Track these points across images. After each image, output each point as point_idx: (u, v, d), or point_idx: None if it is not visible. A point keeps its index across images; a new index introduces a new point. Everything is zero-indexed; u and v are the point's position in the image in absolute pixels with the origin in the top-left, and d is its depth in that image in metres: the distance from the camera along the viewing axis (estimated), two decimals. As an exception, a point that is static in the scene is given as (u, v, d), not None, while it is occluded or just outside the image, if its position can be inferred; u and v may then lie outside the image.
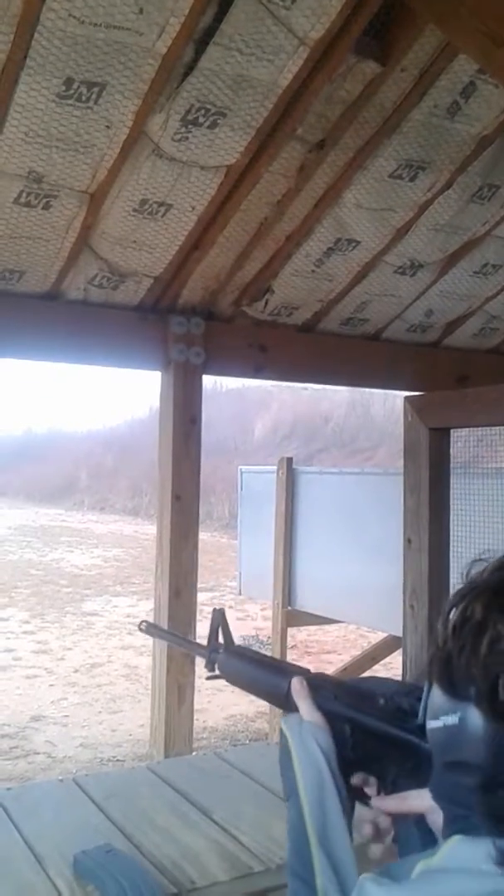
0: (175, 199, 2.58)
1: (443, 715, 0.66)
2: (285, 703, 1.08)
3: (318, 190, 2.75)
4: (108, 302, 2.89)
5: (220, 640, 1.26)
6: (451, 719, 0.61)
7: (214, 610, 1.29)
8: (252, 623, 8.49)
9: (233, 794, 1.66)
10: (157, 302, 2.97)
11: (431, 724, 0.66)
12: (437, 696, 0.67)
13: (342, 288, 3.15)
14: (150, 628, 1.45)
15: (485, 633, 0.58)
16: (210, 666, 1.26)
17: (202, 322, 3.04)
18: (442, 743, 0.63)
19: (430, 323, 3.52)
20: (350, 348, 3.42)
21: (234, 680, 1.22)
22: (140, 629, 1.46)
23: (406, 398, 2.84)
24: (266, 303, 3.09)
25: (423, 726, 0.89)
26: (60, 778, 1.84)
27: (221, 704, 5.50)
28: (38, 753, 4.73)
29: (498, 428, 4.06)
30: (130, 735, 5.05)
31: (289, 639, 5.88)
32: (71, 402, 66.03)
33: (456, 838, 0.60)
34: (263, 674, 1.15)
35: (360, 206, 2.84)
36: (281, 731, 1.02)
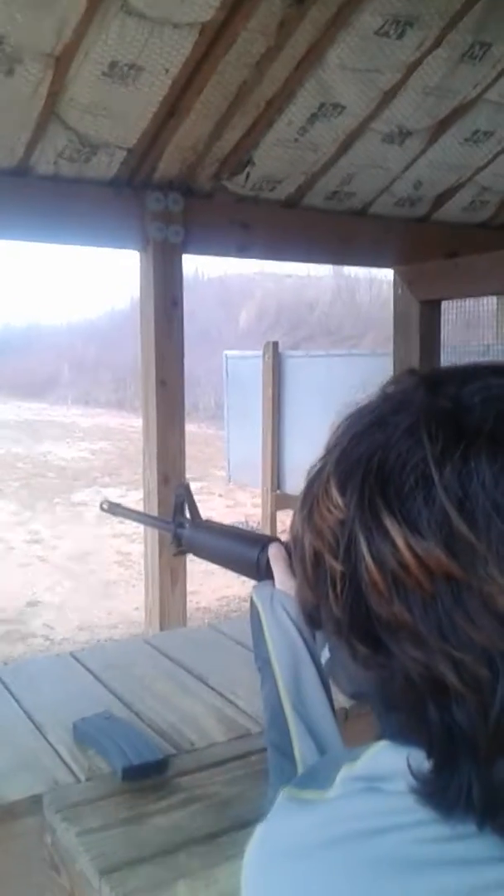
0: (147, 60, 2.43)
1: (323, 648, 0.65)
2: (257, 573, 1.08)
3: (299, 49, 2.58)
4: (80, 177, 2.76)
5: (187, 515, 1.23)
6: (325, 653, 0.60)
7: (178, 485, 1.27)
8: (242, 510, 8.61)
9: (228, 662, 1.70)
10: (133, 176, 2.83)
11: (322, 661, 0.65)
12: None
13: (327, 159, 3.02)
14: (112, 507, 1.42)
15: (306, 555, 0.56)
16: (176, 542, 1.24)
17: (181, 198, 2.91)
18: (337, 681, 0.62)
19: (418, 196, 3.39)
20: (336, 224, 3.31)
21: (203, 553, 1.21)
22: (102, 508, 1.43)
23: (396, 269, 2.77)
24: (247, 176, 2.96)
25: None
26: (57, 654, 1.87)
27: (214, 587, 5.63)
28: (36, 636, 4.86)
29: (486, 308, 4.01)
30: (126, 617, 5.19)
31: (278, 524, 5.97)
32: (49, 294, 64.58)
33: (381, 744, 0.57)
34: (233, 544, 1.13)
35: (344, 67, 2.68)
36: (252, 601, 1.02)
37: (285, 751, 0.90)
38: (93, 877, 1.07)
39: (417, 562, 0.48)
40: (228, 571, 1.21)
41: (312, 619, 0.59)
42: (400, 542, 0.49)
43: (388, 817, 0.52)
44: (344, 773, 0.57)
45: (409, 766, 0.51)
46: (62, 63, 2.36)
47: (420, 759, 0.51)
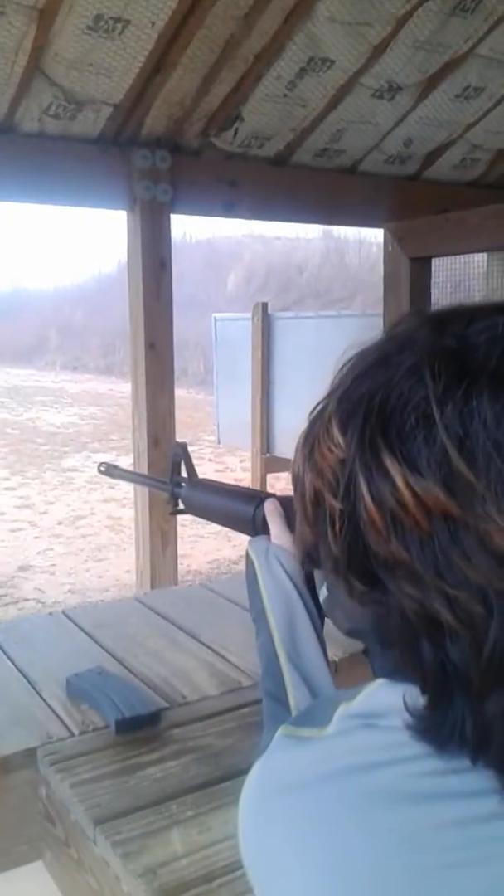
0: (132, 13, 2.38)
1: (320, 587, 0.65)
2: (252, 528, 1.09)
3: (287, 2, 2.53)
4: (65, 134, 2.71)
5: (184, 474, 1.24)
6: (323, 591, 0.60)
7: (175, 443, 1.27)
8: (231, 474, 8.63)
9: (219, 619, 1.71)
10: (119, 133, 2.78)
11: (322, 600, 0.65)
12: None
13: (316, 114, 2.97)
14: (109, 469, 1.43)
15: (306, 494, 0.57)
16: (173, 501, 1.24)
17: (168, 155, 2.87)
18: (334, 618, 0.62)
19: (408, 153, 3.35)
20: (325, 183, 3.27)
21: (200, 511, 1.21)
22: (100, 471, 1.44)
23: (386, 226, 2.74)
24: (235, 132, 2.92)
25: None
26: (49, 612, 1.88)
27: (205, 550, 5.65)
28: (28, 600, 4.88)
29: (476, 269, 3.98)
30: (117, 580, 5.21)
31: (268, 487, 5.99)
32: (35, 258, 63.80)
33: (377, 682, 0.58)
34: (230, 501, 1.14)
35: (333, 20, 2.63)
36: (247, 554, 1.03)
37: (280, 698, 0.91)
38: (87, 826, 1.09)
39: (416, 500, 0.48)
40: (219, 535, 1.21)
41: (311, 557, 0.60)
42: (399, 481, 0.49)
43: (384, 752, 0.53)
44: (341, 711, 0.58)
45: (404, 702, 0.52)
46: (46, 16, 2.31)
47: (415, 696, 0.52)
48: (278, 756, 0.59)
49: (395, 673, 0.55)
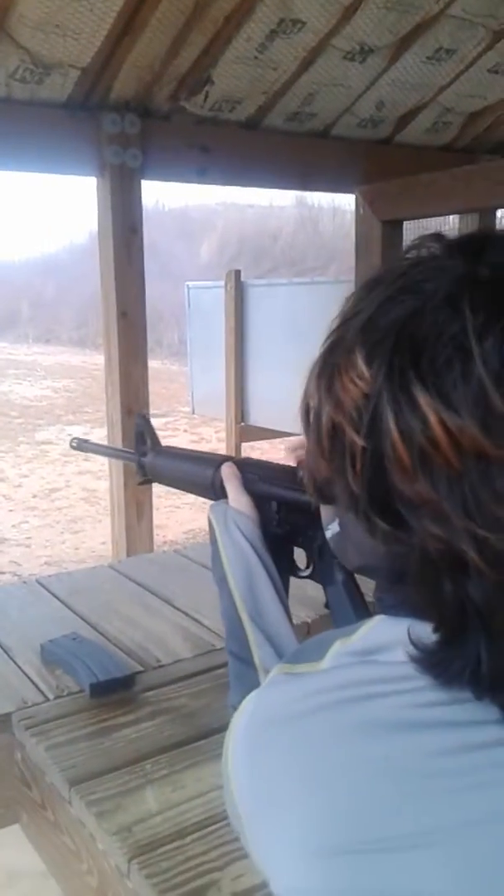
0: (99, -29, 2.32)
1: (328, 524, 0.64)
2: (213, 493, 1.10)
3: (258, -40, 2.48)
4: (33, 99, 2.65)
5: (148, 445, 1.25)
6: (334, 528, 0.60)
7: (136, 415, 1.29)
8: (207, 445, 8.62)
9: (193, 584, 1.72)
10: (88, 97, 2.73)
11: (328, 537, 0.65)
12: (319, 505, 0.64)
13: (287, 77, 2.93)
14: (80, 444, 1.44)
15: (323, 428, 0.54)
16: (141, 471, 1.26)
17: (138, 120, 2.82)
18: (343, 555, 0.61)
19: (381, 117, 3.33)
20: (298, 147, 3.24)
21: (164, 479, 1.23)
22: (72, 446, 1.45)
23: (358, 189, 2.72)
24: (206, 95, 2.87)
25: None
26: (23, 581, 1.88)
27: (180, 520, 5.66)
28: (3, 573, 4.86)
29: (448, 228, 3.98)
30: (93, 552, 5.21)
31: (244, 456, 5.99)
32: (3, 228, 62.68)
33: (377, 618, 0.58)
34: (190, 466, 1.15)
35: (304, -20, 2.59)
36: (209, 520, 1.04)
37: (245, 658, 0.92)
38: (62, 788, 1.10)
39: (449, 438, 0.46)
40: (194, 505, 1.23)
41: (322, 493, 0.57)
42: (432, 417, 0.46)
43: (382, 685, 0.52)
44: (337, 646, 0.58)
45: (409, 635, 0.52)
46: (9, -26, 2.25)
47: (422, 630, 0.51)
48: (270, 690, 0.58)
49: (403, 607, 0.54)
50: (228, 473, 1.06)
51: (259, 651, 0.92)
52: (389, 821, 0.48)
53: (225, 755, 0.58)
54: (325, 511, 0.64)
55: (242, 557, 0.98)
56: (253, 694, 0.59)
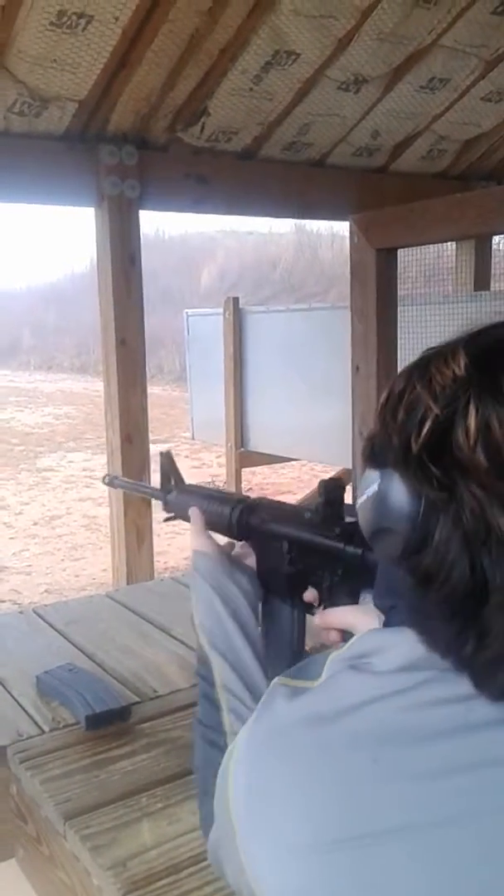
0: (95, 9, 2.37)
1: (367, 488, 0.66)
2: (229, 530, 1.15)
3: (251, -6, 2.53)
4: (31, 132, 2.69)
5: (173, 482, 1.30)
6: (373, 488, 0.61)
7: (161, 454, 1.32)
8: (208, 470, 8.62)
9: (190, 613, 1.71)
10: (85, 129, 2.77)
11: (359, 502, 0.66)
12: (364, 474, 0.67)
13: (283, 108, 2.98)
14: (112, 480, 1.52)
15: (402, 401, 0.58)
16: (166, 508, 1.30)
17: (135, 151, 2.86)
18: (367, 515, 0.63)
19: (376, 145, 3.37)
20: (294, 176, 3.28)
21: (186, 516, 1.25)
22: (104, 482, 1.53)
23: (352, 217, 2.74)
24: (203, 126, 2.91)
25: (351, 526, 0.94)
26: (20, 610, 1.87)
27: (181, 546, 5.64)
28: (3, 601, 4.84)
29: (445, 262, 4.01)
30: (94, 579, 5.19)
31: (244, 482, 5.98)
32: (6, 258, 63.17)
33: (368, 630, 0.63)
34: (210, 505, 1.19)
35: (297, 13, 2.64)
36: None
37: (208, 679, 0.94)
38: (57, 822, 1.09)
39: None
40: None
41: (376, 457, 0.61)
42: None
43: (368, 691, 0.57)
44: (331, 658, 0.63)
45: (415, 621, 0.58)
46: (8, 12, 2.30)
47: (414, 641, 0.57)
48: (268, 705, 0.63)
49: (399, 601, 0.61)
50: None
51: (220, 676, 0.94)
52: (372, 817, 0.52)
53: (224, 765, 0.63)
54: (368, 476, 0.67)
55: (210, 607, 1.01)
56: (255, 713, 0.63)
